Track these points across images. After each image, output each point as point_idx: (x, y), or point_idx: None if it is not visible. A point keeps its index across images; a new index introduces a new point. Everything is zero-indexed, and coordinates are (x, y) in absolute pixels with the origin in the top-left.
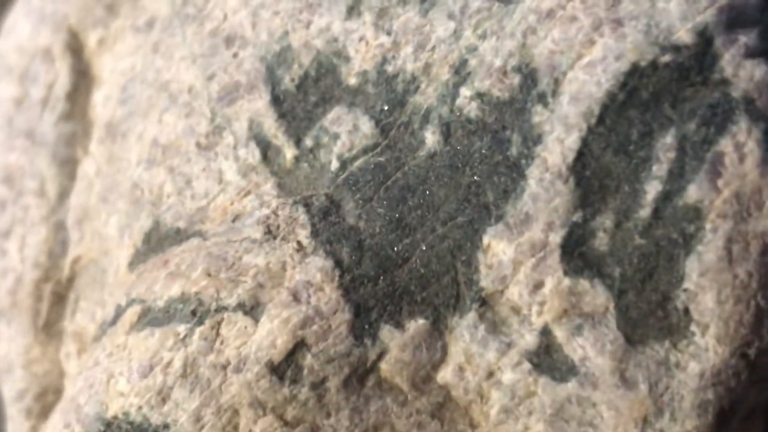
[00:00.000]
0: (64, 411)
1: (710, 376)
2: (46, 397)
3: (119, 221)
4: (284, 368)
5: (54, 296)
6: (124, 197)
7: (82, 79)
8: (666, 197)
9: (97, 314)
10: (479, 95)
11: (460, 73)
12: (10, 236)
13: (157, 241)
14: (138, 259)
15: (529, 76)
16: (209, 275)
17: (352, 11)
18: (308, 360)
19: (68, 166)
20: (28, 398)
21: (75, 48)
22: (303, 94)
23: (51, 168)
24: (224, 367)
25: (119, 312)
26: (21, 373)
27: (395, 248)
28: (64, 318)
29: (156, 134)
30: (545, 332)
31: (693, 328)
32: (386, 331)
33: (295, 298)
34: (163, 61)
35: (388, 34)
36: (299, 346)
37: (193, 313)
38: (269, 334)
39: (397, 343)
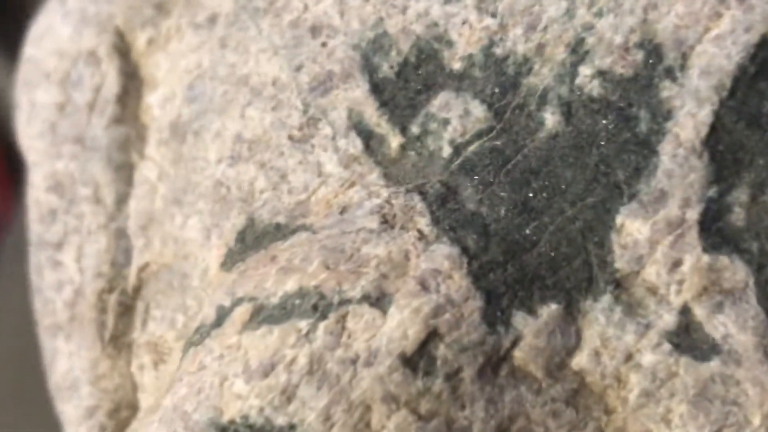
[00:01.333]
0: (165, 421)
1: None
2: (120, 413)
3: (202, 222)
4: (417, 360)
5: (120, 307)
6: (206, 197)
7: (131, 81)
8: None
9: (177, 321)
10: (600, 73)
11: (578, 51)
12: (64, 247)
13: (255, 239)
14: (232, 258)
15: (653, 51)
16: (328, 268)
17: None
18: (441, 350)
19: (124, 171)
20: (100, 415)
21: (122, 49)
22: (404, 81)
23: (106, 174)
24: (353, 362)
25: (223, 313)
26: (89, 390)
27: (522, 232)
28: (133, 329)
29: (239, 130)
30: (685, 311)
31: None
32: (519, 318)
33: (424, 286)
34: (236, 55)
35: (493, 16)
36: (432, 336)
37: (315, 307)
38: (400, 325)
39: (530, 330)
